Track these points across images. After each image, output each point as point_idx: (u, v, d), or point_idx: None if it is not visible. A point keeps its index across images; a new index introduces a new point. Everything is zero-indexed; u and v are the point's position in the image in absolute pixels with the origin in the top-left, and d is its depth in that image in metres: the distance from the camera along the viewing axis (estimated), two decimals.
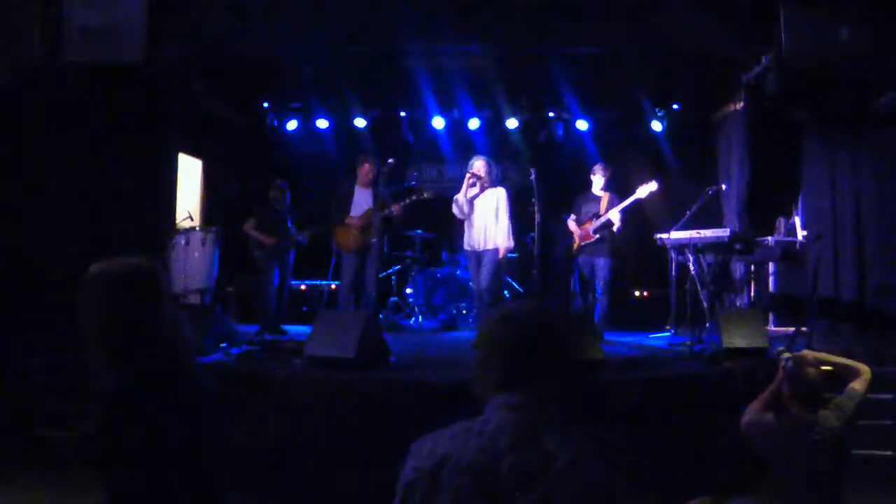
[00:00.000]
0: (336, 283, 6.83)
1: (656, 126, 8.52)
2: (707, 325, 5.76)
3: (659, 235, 6.48)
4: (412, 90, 8.16)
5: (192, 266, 6.76)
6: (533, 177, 6.00)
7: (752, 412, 2.94)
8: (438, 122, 8.67)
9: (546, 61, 7.53)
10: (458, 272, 7.64)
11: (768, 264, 6.99)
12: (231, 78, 7.73)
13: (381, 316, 7.34)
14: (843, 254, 6.67)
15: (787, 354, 3.00)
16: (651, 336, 6.70)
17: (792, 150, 6.93)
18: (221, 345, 5.33)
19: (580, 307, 6.80)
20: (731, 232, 6.15)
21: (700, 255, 6.22)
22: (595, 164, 6.79)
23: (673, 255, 6.54)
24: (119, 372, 1.73)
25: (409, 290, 7.89)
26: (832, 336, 6.23)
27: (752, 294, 7.00)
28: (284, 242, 6.77)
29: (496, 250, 5.83)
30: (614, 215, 6.28)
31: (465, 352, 5.68)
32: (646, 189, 6.33)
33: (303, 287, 7.85)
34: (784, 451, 2.81)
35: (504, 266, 6.12)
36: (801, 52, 5.69)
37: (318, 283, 7.72)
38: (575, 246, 6.59)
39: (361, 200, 6.44)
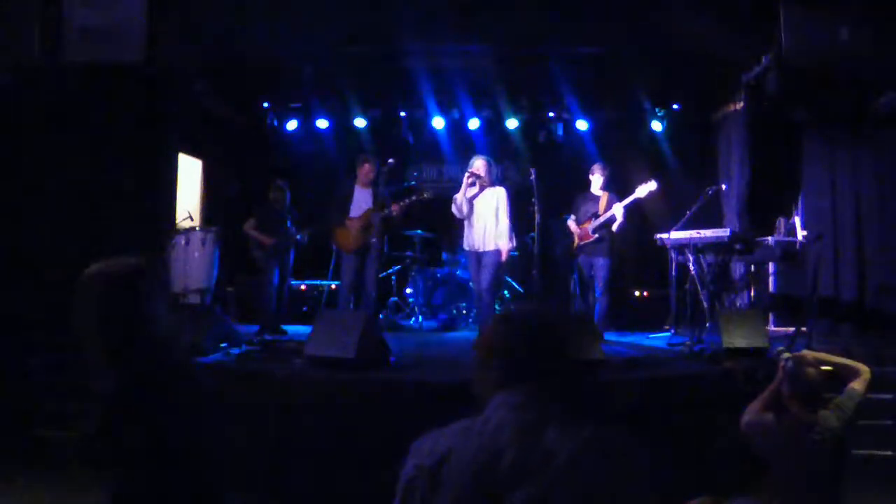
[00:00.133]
0: (336, 283, 6.83)
1: (656, 126, 8.53)
2: (707, 325, 5.76)
3: (659, 235, 6.48)
4: (412, 90, 8.17)
5: (192, 266, 6.76)
6: (533, 177, 6.00)
7: (752, 412, 2.94)
8: (438, 122, 8.68)
9: (546, 61, 7.54)
10: (458, 272, 7.64)
11: (768, 264, 6.99)
12: (231, 78, 7.74)
13: (381, 316, 7.34)
14: (843, 254, 6.68)
15: (786, 354, 3.00)
16: (651, 336, 6.70)
17: (792, 150, 6.93)
18: (221, 345, 5.33)
19: (580, 307, 6.80)
20: (731, 232, 6.15)
21: (700, 255, 6.22)
22: (594, 164, 6.80)
23: (673, 255, 6.54)
24: (118, 372, 1.73)
25: (409, 290, 7.89)
26: (832, 336, 6.23)
27: (752, 294, 7.00)
28: (284, 242, 6.77)
29: (497, 251, 5.82)
30: (618, 210, 6.27)
31: (465, 352, 5.68)
32: (645, 188, 6.33)
33: (303, 287, 7.85)
34: (784, 451, 2.81)
35: (504, 266, 6.11)
36: (801, 52, 5.69)
37: (318, 283, 7.73)
38: (574, 246, 6.60)
39: (361, 200, 6.43)
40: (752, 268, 6.90)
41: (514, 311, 1.52)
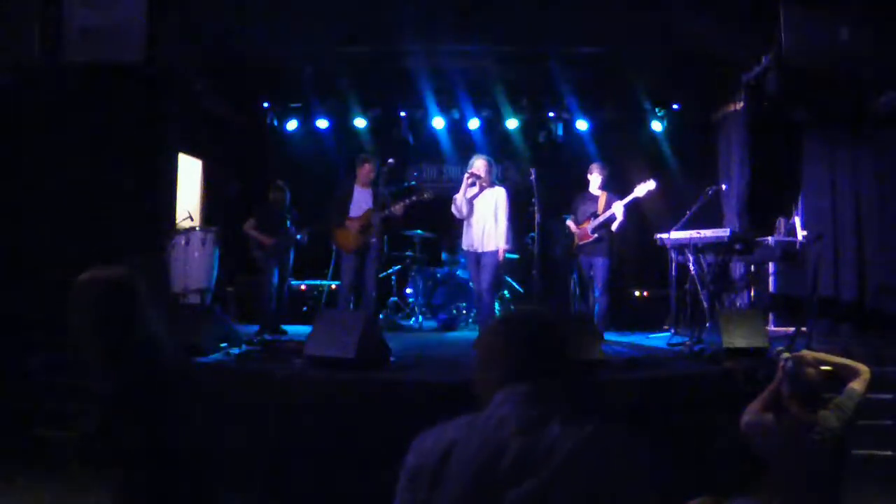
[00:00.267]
0: (336, 283, 6.83)
1: (656, 126, 8.53)
2: (707, 325, 5.76)
3: (659, 235, 6.48)
4: (412, 90, 8.17)
5: (192, 266, 6.77)
6: (533, 177, 5.99)
7: (751, 412, 2.94)
8: (438, 122, 8.68)
9: (546, 61, 7.54)
10: (458, 272, 7.64)
11: (768, 264, 6.99)
12: (231, 78, 7.74)
13: (381, 316, 7.34)
14: (843, 254, 6.68)
15: (786, 354, 2.99)
16: (651, 336, 6.70)
17: (792, 150, 6.94)
18: (221, 345, 5.32)
19: (580, 307, 6.80)
20: (731, 232, 6.15)
21: (700, 255, 6.22)
22: (593, 163, 6.80)
23: (673, 255, 6.54)
24: (117, 373, 1.74)
25: (409, 290, 7.89)
26: (832, 336, 6.23)
27: (752, 294, 7.00)
28: (284, 242, 6.77)
29: (496, 252, 5.82)
30: (618, 209, 6.27)
31: (465, 352, 5.68)
32: (644, 188, 6.32)
33: (303, 287, 7.85)
34: (784, 451, 2.80)
35: (504, 266, 6.11)
36: (801, 52, 5.69)
37: (318, 283, 7.72)
38: (574, 246, 6.59)
39: (361, 200, 6.43)
40: (752, 268, 6.90)
41: (514, 312, 1.53)
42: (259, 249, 6.78)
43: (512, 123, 8.62)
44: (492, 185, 5.97)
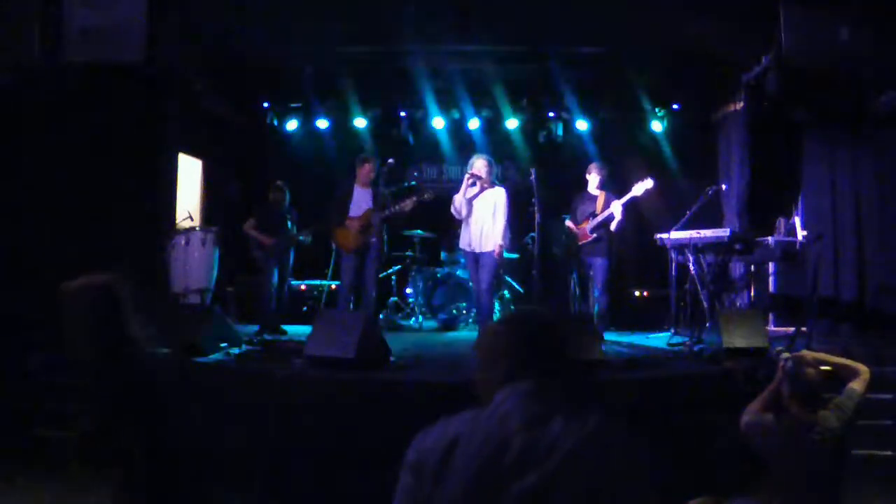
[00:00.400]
0: (336, 283, 6.83)
1: (656, 126, 8.53)
2: (707, 325, 5.75)
3: (659, 235, 6.48)
4: (412, 90, 8.17)
5: (192, 266, 6.77)
6: (533, 177, 5.99)
7: (751, 412, 2.94)
8: (438, 122, 8.68)
9: (546, 61, 7.54)
10: (457, 272, 7.64)
11: (768, 264, 6.99)
12: (231, 78, 7.74)
13: (381, 316, 7.34)
14: (843, 254, 6.67)
15: (786, 354, 2.99)
16: (651, 336, 6.69)
17: (792, 150, 6.93)
18: (221, 345, 5.32)
19: (580, 307, 6.80)
20: (731, 232, 6.15)
21: (700, 255, 6.22)
22: (591, 163, 6.80)
23: (673, 255, 6.54)
24: (113, 374, 1.74)
25: (409, 290, 7.89)
26: (832, 336, 6.23)
27: (752, 294, 7.01)
28: (284, 242, 6.77)
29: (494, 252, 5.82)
30: (616, 208, 6.27)
31: (465, 352, 5.67)
32: (641, 186, 6.32)
33: (303, 287, 7.85)
34: (784, 451, 2.80)
35: (503, 265, 6.10)
36: (801, 52, 5.69)
37: (318, 283, 7.73)
38: (574, 245, 6.59)
39: (361, 200, 6.43)
40: (752, 268, 6.90)
41: (514, 312, 1.57)
42: (259, 249, 6.78)
43: (512, 123, 8.61)
44: (492, 185, 5.96)
